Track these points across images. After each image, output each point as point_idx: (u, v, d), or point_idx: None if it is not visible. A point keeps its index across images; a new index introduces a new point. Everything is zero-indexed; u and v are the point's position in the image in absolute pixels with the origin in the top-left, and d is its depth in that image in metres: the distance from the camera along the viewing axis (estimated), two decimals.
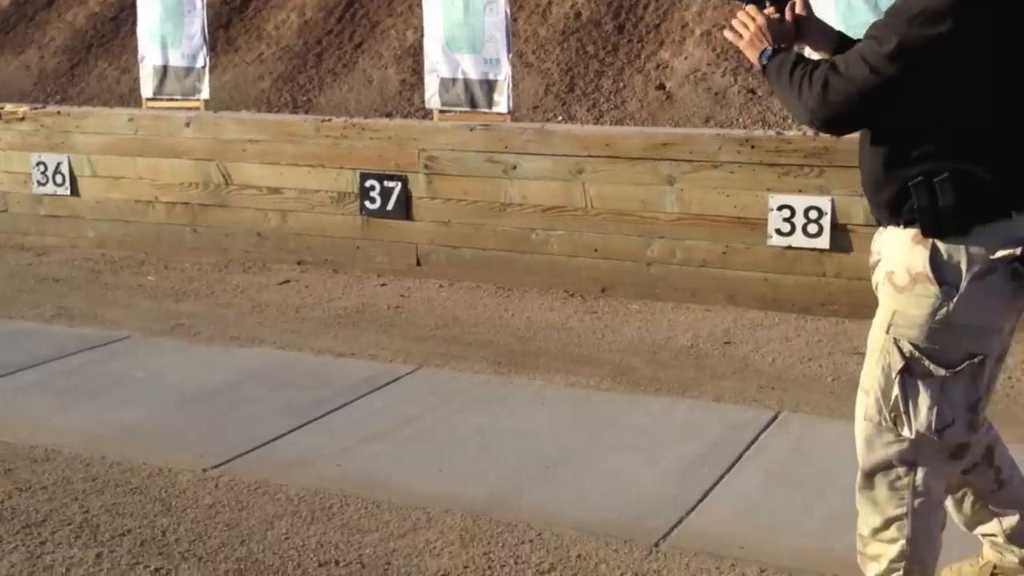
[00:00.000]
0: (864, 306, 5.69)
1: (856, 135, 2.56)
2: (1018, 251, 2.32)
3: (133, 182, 7.56)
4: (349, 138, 6.86)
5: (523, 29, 10.20)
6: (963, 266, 2.33)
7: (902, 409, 2.42)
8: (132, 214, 7.60)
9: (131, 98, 10.29)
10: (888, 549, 2.56)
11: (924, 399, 2.39)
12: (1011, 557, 2.78)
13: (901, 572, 2.56)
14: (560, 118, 9.31)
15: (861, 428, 2.57)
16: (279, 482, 3.79)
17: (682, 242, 6.06)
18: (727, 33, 2.66)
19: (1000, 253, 2.32)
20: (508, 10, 6.67)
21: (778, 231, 5.81)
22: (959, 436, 2.43)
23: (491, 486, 3.75)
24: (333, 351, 5.35)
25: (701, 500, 3.61)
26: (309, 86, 10.66)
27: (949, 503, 2.78)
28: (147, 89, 7.81)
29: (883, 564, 2.58)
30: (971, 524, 2.81)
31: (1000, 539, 2.76)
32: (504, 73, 6.70)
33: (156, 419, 4.43)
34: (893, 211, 2.42)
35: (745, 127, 8.80)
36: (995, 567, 2.83)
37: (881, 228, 2.54)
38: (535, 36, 10.29)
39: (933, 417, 2.39)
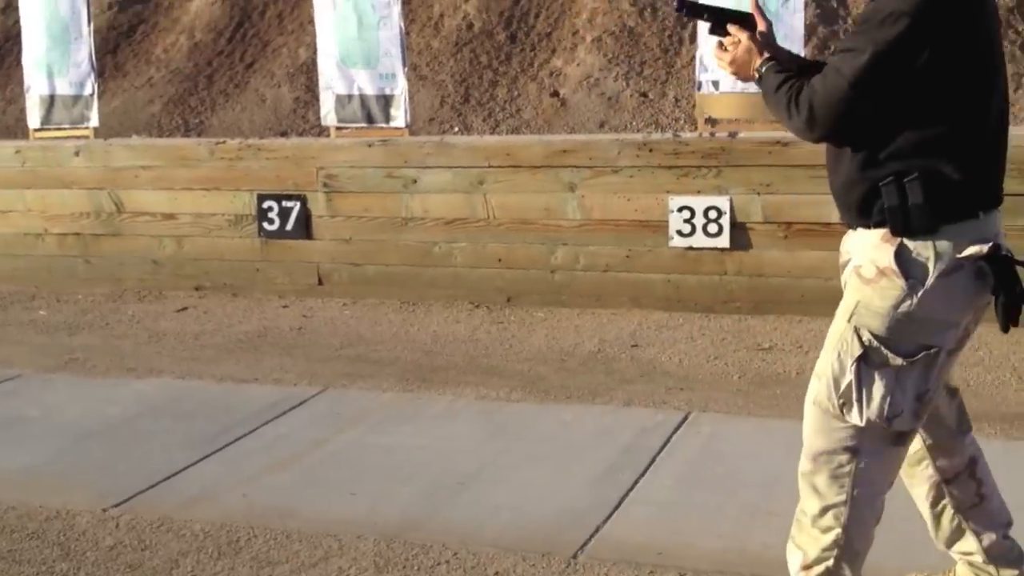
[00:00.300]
0: (765, 302, 5.80)
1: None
2: (985, 250, 2.35)
3: (21, 215, 7.29)
4: (245, 159, 6.71)
5: (416, 42, 10.14)
6: (931, 263, 2.37)
7: (855, 397, 2.44)
8: (21, 247, 7.33)
9: (18, 129, 9.94)
10: (822, 538, 2.56)
11: (879, 387, 2.42)
12: None
13: (832, 561, 2.56)
14: (457, 129, 9.28)
15: (810, 413, 2.56)
16: (183, 518, 3.65)
17: (585, 248, 6.07)
18: (714, 50, 2.69)
19: (967, 252, 2.36)
20: (402, 24, 6.61)
21: (679, 232, 5.85)
22: (905, 424, 2.46)
23: (404, 507, 3.67)
24: (235, 377, 5.21)
25: (617, 507, 3.59)
26: (201, 108, 10.43)
27: (927, 518, 2.78)
28: (34, 120, 7.56)
29: (813, 553, 2.58)
30: (949, 541, 2.79)
31: (979, 558, 2.75)
32: (400, 87, 6.64)
33: (52, 459, 4.25)
34: (863, 212, 2.44)
35: (639, 130, 8.88)
36: None
37: (850, 231, 2.57)
38: (428, 49, 10.24)
39: (886, 405, 2.42)
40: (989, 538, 2.72)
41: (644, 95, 9.26)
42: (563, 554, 3.28)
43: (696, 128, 6.29)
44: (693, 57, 9.42)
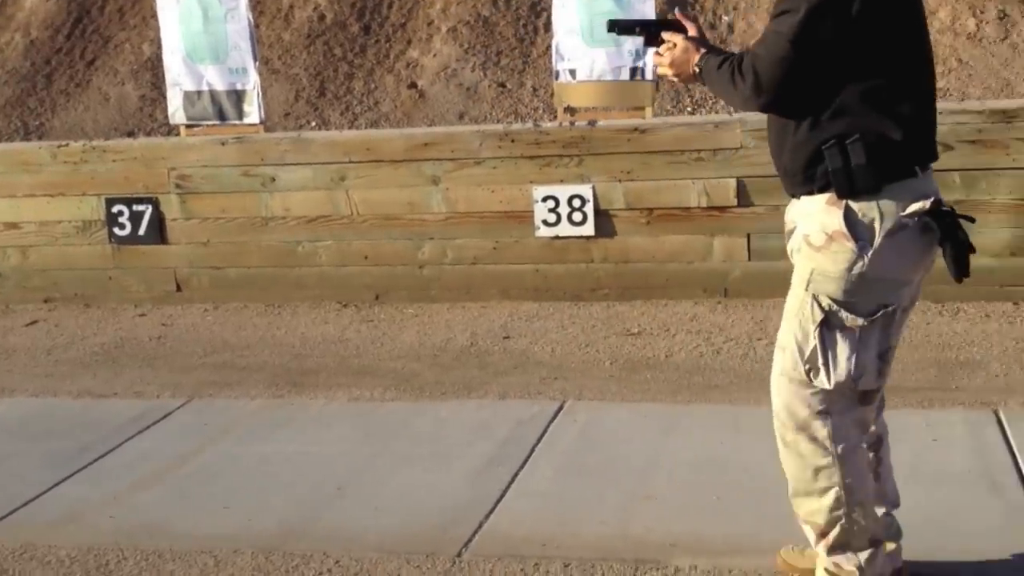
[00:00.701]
0: (632, 288, 5.87)
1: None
2: (928, 205, 2.44)
3: None
4: (90, 162, 6.41)
5: (266, 35, 9.89)
6: (876, 224, 2.45)
7: (820, 361, 2.52)
8: None
9: None
10: (823, 501, 2.63)
11: (843, 349, 2.51)
12: None
13: (843, 518, 2.62)
14: (314, 124, 9.10)
15: (778, 385, 2.65)
16: (47, 543, 3.46)
17: (452, 241, 6.03)
18: (654, 59, 2.73)
19: (911, 209, 2.44)
20: (250, 17, 6.42)
21: (545, 222, 5.87)
22: (871, 383, 2.56)
23: (282, 517, 3.57)
24: (93, 392, 4.98)
25: (498, 502, 3.57)
26: (41, 109, 9.94)
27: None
28: None
29: (823, 517, 2.64)
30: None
31: None
32: (252, 82, 6.45)
33: None
34: (807, 178, 2.51)
35: (499, 121, 8.89)
36: None
37: (793, 200, 2.65)
38: (280, 41, 10.01)
39: (851, 366, 2.51)
40: (876, 513, 2.78)
41: (502, 85, 9.27)
42: (447, 553, 3.25)
43: (556, 117, 6.31)
44: (549, 47, 9.47)
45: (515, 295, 5.98)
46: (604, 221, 5.83)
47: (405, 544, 3.32)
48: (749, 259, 5.70)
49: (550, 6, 8.71)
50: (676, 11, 2.82)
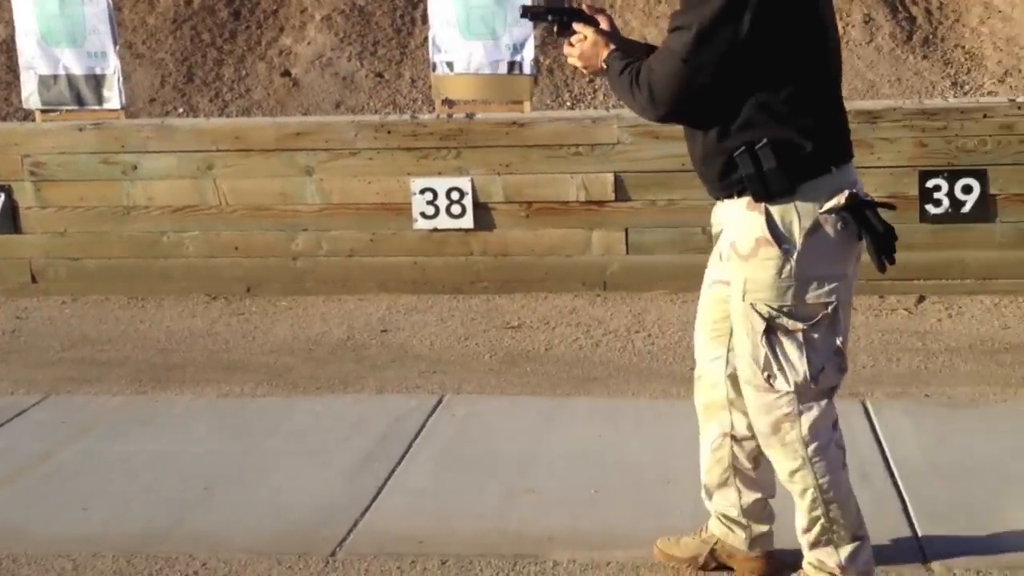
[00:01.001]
0: (511, 281, 5.83)
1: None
2: (843, 200, 2.46)
3: None
4: None
5: (129, 19, 9.51)
6: (796, 225, 2.47)
7: (775, 367, 2.54)
8: None
9: None
10: (802, 501, 2.64)
11: (793, 351, 2.52)
12: (740, 534, 2.86)
13: (821, 517, 2.62)
14: (181, 111, 8.79)
15: (746, 393, 2.65)
16: None
17: (327, 233, 5.87)
18: (565, 48, 2.72)
19: (827, 205, 2.47)
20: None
21: (423, 214, 5.78)
22: (832, 379, 2.57)
23: (145, 519, 3.39)
24: None
25: (375, 499, 3.48)
26: None
27: (703, 459, 2.87)
28: None
29: (803, 516, 2.65)
30: (713, 486, 2.86)
31: (734, 511, 2.84)
32: (112, 66, 6.17)
33: None
34: (723, 183, 2.54)
35: (377, 111, 8.74)
36: (717, 542, 2.90)
37: (718, 202, 2.66)
38: (144, 25, 9.64)
39: (805, 366, 2.52)
40: (750, 497, 2.83)
41: (380, 75, 9.12)
42: (321, 552, 3.14)
43: (434, 109, 6.22)
44: (426, 38, 9.37)
45: (393, 288, 5.87)
46: (483, 214, 5.77)
47: (276, 544, 3.20)
48: (627, 253, 5.72)
49: None
50: (585, 3, 2.80)
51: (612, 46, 2.66)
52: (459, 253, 5.83)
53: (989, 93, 9.21)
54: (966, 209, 5.45)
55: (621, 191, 5.66)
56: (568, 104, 9.06)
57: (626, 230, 5.71)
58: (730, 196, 2.56)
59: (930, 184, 5.44)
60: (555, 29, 2.75)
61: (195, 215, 5.94)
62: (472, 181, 5.74)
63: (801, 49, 2.46)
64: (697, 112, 2.52)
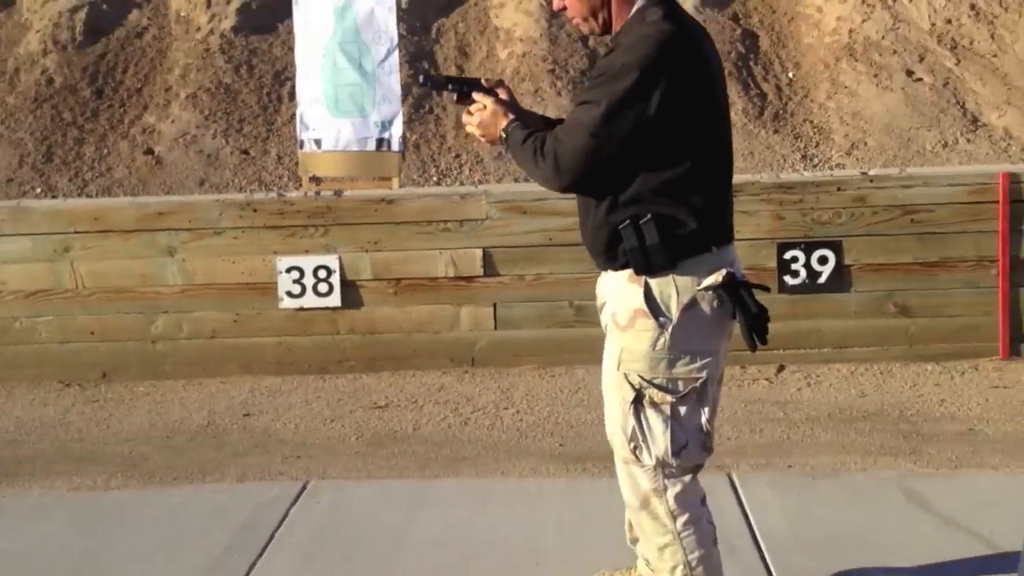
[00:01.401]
0: (379, 359, 5.75)
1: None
2: (720, 278, 2.51)
3: None
4: None
5: None
6: (673, 300, 2.53)
7: (640, 439, 2.56)
8: None
9: None
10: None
11: (658, 425, 2.55)
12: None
13: None
14: (39, 191, 8.51)
15: (618, 468, 2.67)
16: None
17: (189, 314, 5.71)
18: (464, 118, 2.77)
19: (704, 283, 2.52)
20: None
21: (289, 293, 5.68)
22: (695, 457, 2.59)
23: None
24: None
25: None
26: None
27: (628, 512, 2.83)
28: None
29: None
30: (634, 534, 2.85)
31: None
32: None
33: None
34: (608, 255, 2.60)
35: (242, 189, 8.63)
36: None
37: (602, 273, 2.71)
38: (3, 105, 9.35)
39: (668, 441, 2.54)
40: None
41: (245, 152, 9.02)
42: None
43: (301, 186, 6.16)
44: (293, 115, 9.33)
45: (257, 369, 5.73)
46: (351, 292, 5.70)
47: None
48: (495, 328, 5.72)
49: (293, 75, 8.60)
50: (484, 79, 2.85)
51: (511, 116, 2.71)
52: (326, 332, 5.74)
53: (837, 165, 9.64)
54: (822, 280, 5.64)
55: (490, 266, 5.67)
56: (435, 179, 9.11)
57: (494, 305, 5.71)
58: (614, 268, 2.62)
59: (788, 256, 5.61)
60: (455, 98, 2.80)
61: (49, 299, 5.71)
62: (340, 259, 5.67)
63: (698, 130, 2.55)
64: (596, 184, 2.57)
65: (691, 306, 2.54)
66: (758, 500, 3.88)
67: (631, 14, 2.57)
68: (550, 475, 4.26)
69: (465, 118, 2.78)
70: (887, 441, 4.54)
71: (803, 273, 5.62)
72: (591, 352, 5.41)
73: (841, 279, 5.62)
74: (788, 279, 5.61)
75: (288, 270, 5.66)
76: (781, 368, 5.61)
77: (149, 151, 8.89)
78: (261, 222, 5.68)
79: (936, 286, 5.61)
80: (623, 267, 2.58)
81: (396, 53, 5.89)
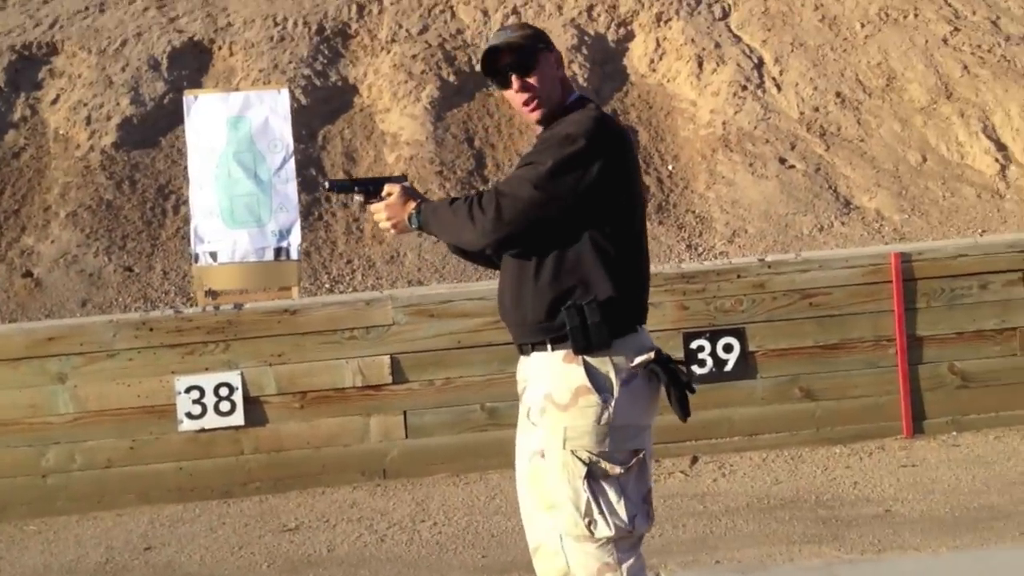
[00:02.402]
0: (286, 478, 5.54)
1: None
2: (652, 356, 2.62)
3: None
4: None
5: None
6: (612, 375, 2.59)
7: (596, 512, 2.57)
8: None
9: None
10: None
11: (613, 496, 2.58)
12: None
13: None
14: None
15: (565, 547, 2.61)
16: None
17: (82, 444, 5.42)
18: (372, 208, 2.81)
19: (638, 360, 2.61)
20: None
21: (188, 415, 5.44)
22: (642, 527, 2.62)
23: None
24: None
25: None
26: None
27: None
28: None
29: None
30: None
31: None
32: None
33: None
34: (541, 329, 2.62)
35: (126, 307, 8.33)
36: None
37: (523, 357, 2.72)
38: None
39: (623, 510, 2.58)
40: None
41: (129, 269, 8.74)
42: None
43: (193, 301, 5.97)
44: (178, 229, 9.10)
45: (156, 498, 5.44)
46: (254, 408, 5.51)
47: None
48: (406, 437, 5.59)
49: (179, 188, 8.42)
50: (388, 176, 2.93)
51: (418, 199, 2.76)
52: (229, 453, 5.51)
53: (721, 253, 9.88)
54: (728, 368, 5.69)
55: (398, 373, 5.56)
56: (327, 287, 8.97)
57: (405, 413, 5.59)
58: (542, 346, 2.64)
59: (694, 345, 5.66)
60: (363, 198, 2.84)
61: None
62: (242, 375, 5.49)
63: (628, 208, 2.67)
64: (537, 245, 2.62)
65: (628, 381, 2.61)
66: None
67: (568, 104, 2.74)
68: None
69: (372, 208, 2.82)
70: (808, 528, 4.55)
71: (710, 362, 5.67)
72: (505, 456, 5.29)
73: (747, 366, 5.68)
74: (696, 368, 5.64)
75: (187, 390, 5.44)
76: (695, 459, 5.60)
77: (28, 273, 8.54)
78: (158, 341, 5.47)
79: (838, 368, 5.72)
80: (555, 342, 2.61)
81: (292, 160, 5.82)
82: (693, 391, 2.67)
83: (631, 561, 2.61)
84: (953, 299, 5.74)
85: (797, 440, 5.71)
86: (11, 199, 9.27)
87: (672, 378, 2.63)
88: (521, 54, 2.67)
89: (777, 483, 5.23)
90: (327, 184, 2.97)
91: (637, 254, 2.71)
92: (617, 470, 2.59)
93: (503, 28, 2.82)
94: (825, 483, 5.18)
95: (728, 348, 5.69)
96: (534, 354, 2.67)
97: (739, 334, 5.68)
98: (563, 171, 2.58)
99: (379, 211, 2.78)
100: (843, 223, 10.44)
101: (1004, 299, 5.76)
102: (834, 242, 10.06)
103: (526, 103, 2.70)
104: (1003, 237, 7.68)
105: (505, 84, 2.70)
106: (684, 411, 2.64)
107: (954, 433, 5.75)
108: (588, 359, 2.60)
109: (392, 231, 2.79)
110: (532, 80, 2.68)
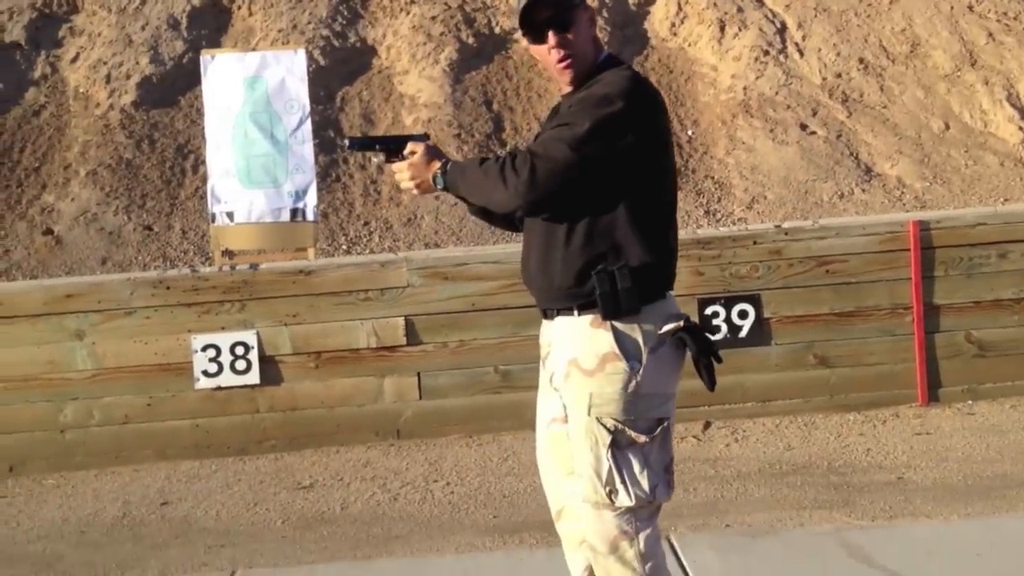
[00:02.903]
0: (301, 436, 5.59)
1: None
2: (683, 323, 2.58)
3: None
4: None
5: None
6: (640, 342, 2.55)
7: (618, 481, 2.55)
8: None
9: None
10: None
11: (636, 465, 2.55)
12: None
13: None
14: None
15: (584, 513, 2.62)
16: None
17: (100, 400, 5.48)
18: (395, 167, 2.73)
19: (667, 327, 2.57)
20: None
21: (205, 373, 5.49)
22: (663, 496, 2.60)
23: None
24: None
25: None
26: None
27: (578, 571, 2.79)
28: None
29: None
30: None
31: None
32: None
33: None
34: (570, 294, 2.58)
35: (146, 266, 8.40)
36: None
37: (547, 321, 2.68)
38: None
39: (646, 480, 2.55)
40: None
41: (149, 228, 8.80)
42: None
43: (211, 260, 6.00)
44: (198, 188, 9.14)
45: (173, 454, 5.51)
46: (270, 368, 5.55)
47: None
48: (420, 398, 5.62)
49: (197, 148, 8.43)
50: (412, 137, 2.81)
51: (443, 158, 2.69)
52: (244, 411, 5.56)
53: (740, 219, 9.84)
54: (743, 334, 5.68)
55: (412, 335, 5.58)
56: (344, 248, 9.00)
57: (418, 375, 5.61)
58: (568, 311, 2.60)
59: (708, 311, 5.65)
60: (384, 157, 2.77)
61: None
62: (258, 334, 5.52)
63: (659, 176, 2.63)
64: (568, 209, 2.56)
65: (656, 349, 2.57)
66: (700, 563, 3.84)
67: (599, 62, 2.67)
68: (487, 549, 4.16)
69: (395, 166, 2.74)
70: (819, 494, 4.56)
71: (724, 328, 5.66)
72: (518, 418, 5.38)
73: (762, 332, 5.68)
74: (710, 335, 5.64)
75: (204, 348, 5.48)
76: (708, 424, 5.62)
77: (48, 231, 8.61)
78: (174, 300, 5.51)
79: (853, 335, 5.71)
80: (582, 308, 2.57)
81: (308, 121, 5.82)
82: (720, 360, 2.61)
83: (648, 531, 2.60)
84: (971, 268, 5.70)
85: (811, 407, 5.70)
86: (32, 157, 9.32)
87: (701, 346, 2.59)
88: (560, 9, 2.57)
89: (789, 449, 5.23)
90: (347, 142, 2.92)
91: (668, 220, 2.66)
92: (642, 439, 2.56)
93: None
94: (838, 450, 5.18)
95: (743, 314, 5.68)
96: (559, 318, 2.63)
97: (754, 300, 5.66)
98: (600, 133, 2.50)
99: (402, 170, 2.70)
100: (864, 190, 10.37)
101: (1023, 268, 5.72)
102: (854, 209, 10.01)
103: (560, 60, 2.60)
104: None
105: (540, 39, 2.61)
106: (712, 380, 2.61)
107: (969, 402, 5.73)
108: (617, 324, 2.55)
109: (415, 191, 2.72)
110: (570, 36, 2.59)
